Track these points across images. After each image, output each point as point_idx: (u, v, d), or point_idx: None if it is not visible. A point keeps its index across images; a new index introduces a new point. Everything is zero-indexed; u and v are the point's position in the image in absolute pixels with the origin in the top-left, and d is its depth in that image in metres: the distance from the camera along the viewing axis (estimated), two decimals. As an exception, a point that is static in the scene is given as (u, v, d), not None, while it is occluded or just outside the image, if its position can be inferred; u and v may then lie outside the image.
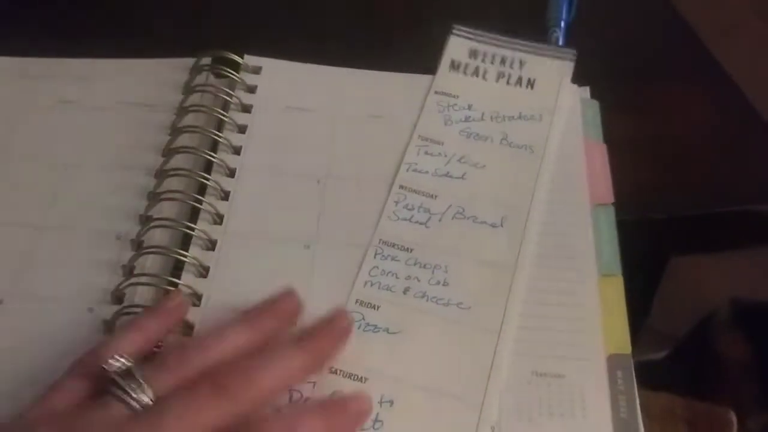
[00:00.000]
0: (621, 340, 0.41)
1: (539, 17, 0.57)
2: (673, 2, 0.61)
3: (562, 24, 0.56)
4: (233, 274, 0.42)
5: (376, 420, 0.37)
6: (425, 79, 0.52)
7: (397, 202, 0.45)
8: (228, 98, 0.49)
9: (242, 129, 0.48)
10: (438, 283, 0.42)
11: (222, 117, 0.48)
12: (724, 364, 0.59)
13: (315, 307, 0.40)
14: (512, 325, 0.41)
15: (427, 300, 0.41)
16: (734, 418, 0.47)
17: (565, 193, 0.46)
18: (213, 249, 0.42)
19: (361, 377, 0.38)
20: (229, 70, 0.50)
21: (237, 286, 0.41)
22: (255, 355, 0.36)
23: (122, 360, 0.34)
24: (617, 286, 0.42)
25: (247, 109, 0.49)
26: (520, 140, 0.48)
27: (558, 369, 0.39)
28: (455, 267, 0.42)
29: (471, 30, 0.55)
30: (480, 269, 0.42)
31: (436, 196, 0.45)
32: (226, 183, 0.45)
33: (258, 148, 0.47)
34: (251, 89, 0.50)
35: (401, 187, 0.46)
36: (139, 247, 0.42)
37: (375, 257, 0.43)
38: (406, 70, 0.53)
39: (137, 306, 0.40)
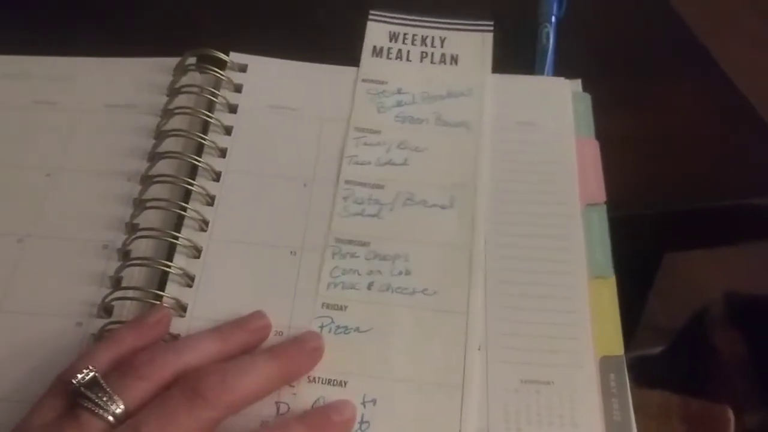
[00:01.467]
0: (613, 342, 0.40)
1: (530, 13, 0.56)
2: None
3: (553, 19, 0.55)
4: (219, 283, 0.41)
5: (362, 421, 0.37)
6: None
7: (345, 198, 0.45)
8: (213, 98, 0.48)
9: (228, 130, 0.47)
10: (400, 273, 0.42)
11: (207, 119, 0.47)
12: (719, 359, 0.58)
13: (301, 314, 0.40)
14: (479, 302, 0.41)
15: (392, 292, 0.41)
16: (731, 416, 0.46)
17: (555, 193, 0.45)
18: (198, 257, 0.42)
19: (341, 381, 0.38)
20: (214, 68, 0.49)
21: (222, 295, 0.41)
22: (228, 362, 0.36)
23: (88, 371, 0.34)
24: (610, 288, 0.42)
25: (233, 109, 0.48)
26: (454, 118, 0.48)
27: (547, 376, 0.39)
28: (414, 254, 0.42)
29: (388, 13, 0.55)
30: (438, 252, 0.42)
31: (383, 186, 0.45)
32: (212, 187, 0.45)
33: (244, 150, 0.47)
34: (237, 88, 0.50)
35: (347, 182, 0.45)
36: (125, 256, 0.42)
37: (333, 257, 0.42)
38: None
39: (125, 321, 0.39)
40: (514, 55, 0.54)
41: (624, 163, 0.48)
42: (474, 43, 0.53)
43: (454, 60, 0.52)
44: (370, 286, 0.41)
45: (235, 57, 0.51)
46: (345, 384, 0.38)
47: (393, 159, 0.47)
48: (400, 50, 0.53)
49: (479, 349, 0.39)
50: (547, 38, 0.54)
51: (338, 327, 0.40)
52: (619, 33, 0.58)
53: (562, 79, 0.51)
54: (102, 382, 0.34)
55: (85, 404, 0.33)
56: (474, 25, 0.54)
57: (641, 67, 0.56)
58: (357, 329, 0.40)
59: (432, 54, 0.52)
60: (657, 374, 0.61)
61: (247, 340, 0.38)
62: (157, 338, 0.38)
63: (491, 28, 0.54)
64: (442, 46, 0.53)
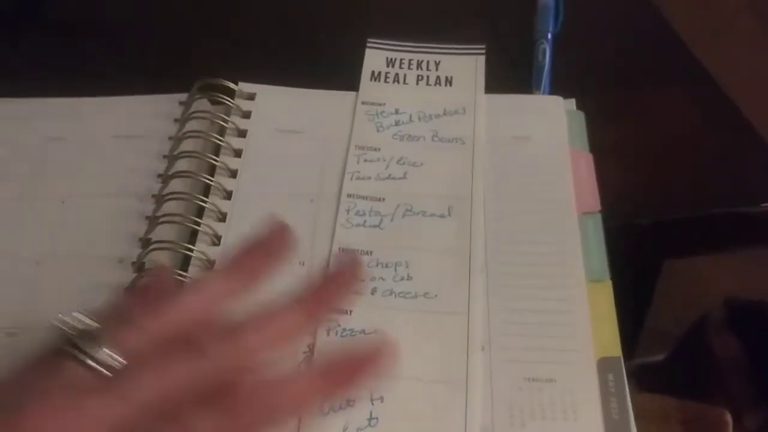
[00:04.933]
0: (611, 343, 0.42)
1: (526, 30, 0.59)
2: (659, 7, 0.62)
3: (549, 36, 0.58)
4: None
5: (371, 417, 0.38)
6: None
7: (348, 210, 0.47)
8: (224, 124, 0.50)
9: (238, 153, 0.50)
10: (402, 278, 0.44)
11: (218, 142, 0.49)
12: (719, 364, 0.59)
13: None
14: (479, 303, 0.42)
15: (395, 297, 0.43)
16: (729, 419, 0.47)
17: (553, 203, 0.47)
18: (211, 269, 0.44)
19: None
20: (224, 96, 0.52)
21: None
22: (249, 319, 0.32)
23: (81, 317, 0.30)
24: (606, 291, 0.43)
25: (242, 133, 0.51)
26: (449, 134, 0.51)
27: (549, 374, 0.40)
28: (415, 261, 0.44)
29: (384, 41, 0.58)
30: (438, 258, 0.44)
31: (383, 199, 0.47)
32: (223, 205, 0.47)
33: (253, 170, 0.49)
34: (246, 114, 0.52)
35: (349, 195, 0.48)
36: (140, 269, 0.43)
37: None
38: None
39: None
40: (512, 72, 0.56)
41: (621, 175, 0.50)
42: (467, 65, 0.55)
43: (449, 81, 0.55)
44: (373, 292, 0.43)
45: (243, 86, 0.53)
46: None
47: (392, 173, 0.49)
48: (397, 74, 0.55)
49: (483, 349, 0.41)
50: (543, 54, 0.56)
51: (344, 330, 0.41)
52: (613, 47, 0.60)
53: (556, 97, 0.53)
54: (97, 331, 0.30)
55: (74, 352, 0.29)
56: (467, 48, 0.57)
57: (635, 80, 0.58)
58: (362, 331, 0.41)
59: (427, 77, 0.55)
60: (659, 381, 0.62)
61: (266, 264, 0.34)
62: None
63: (483, 51, 0.56)
64: (436, 69, 0.55)
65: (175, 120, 0.51)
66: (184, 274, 0.43)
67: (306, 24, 0.63)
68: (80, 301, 0.42)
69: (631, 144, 0.53)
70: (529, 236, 0.46)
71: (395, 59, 0.56)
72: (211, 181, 0.47)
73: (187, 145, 0.49)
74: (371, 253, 0.45)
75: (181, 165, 0.48)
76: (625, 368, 0.41)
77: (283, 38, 0.62)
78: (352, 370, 0.32)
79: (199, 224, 0.45)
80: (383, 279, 0.44)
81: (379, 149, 0.50)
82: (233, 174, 0.48)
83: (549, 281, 0.44)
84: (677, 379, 0.63)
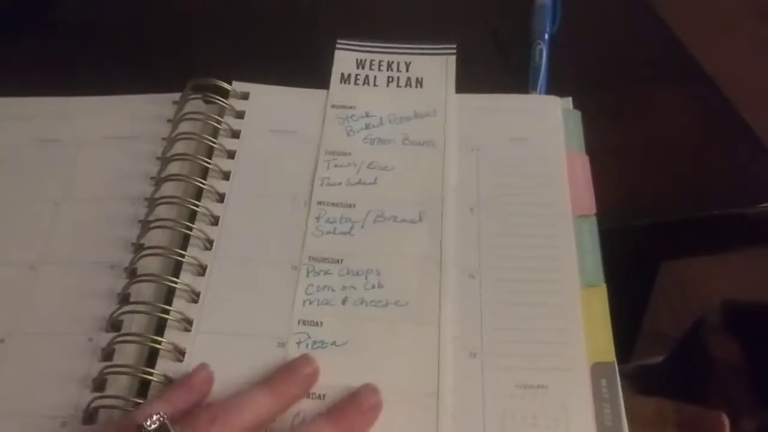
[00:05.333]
0: (605, 348, 0.41)
1: (525, 31, 0.58)
2: (656, 8, 0.62)
3: (546, 36, 0.57)
4: (223, 299, 0.43)
5: None
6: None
7: (318, 218, 0.46)
8: (217, 125, 0.50)
9: (231, 154, 0.49)
10: (373, 286, 0.43)
11: (211, 143, 0.49)
12: (717, 366, 0.59)
13: (284, 329, 0.41)
14: (449, 312, 0.42)
15: (366, 306, 0.42)
16: (726, 421, 0.47)
17: (547, 205, 0.47)
18: (203, 274, 0.44)
19: (320, 394, 0.39)
20: (217, 96, 0.52)
21: (227, 311, 0.42)
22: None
23: (157, 418, 0.35)
24: (600, 296, 0.43)
25: (235, 134, 0.50)
26: (420, 137, 0.50)
27: (541, 380, 0.40)
28: (386, 268, 0.44)
29: (354, 42, 0.57)
30: (409, 265, 0.44)
31: (354, 205, 0.47)
32: (216, 208, 0.46)
33: (246, 172, 0.48)
34: (239, 114, 0.52)
35: (319, 202, 0.47)
36: (132, 275, 0.43)
37: (308, 275, 0.44)
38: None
39: (133, 334, 0.41)
40: (510, 73, 0.56)
41: (620, 176, 0.50)
42: (438, 66, 0.55)
43: (419, 83, 0.54)
44: (344, 302, 0.43)
45: (237, 85, 0.53)
46: (324, 396, 0.39)
47: (363, 179, 0.48)
48: (367, 76, 0.54)
49: (474, 356, 0.41)
50: (540, 55, 0.56)
51: (315, 342, 0.41)
52: (610, 48, 0.60)
53: (553, 96, 0.53)
54: (170, 430, 0.34)
55: None
56: (437, 48, 0.56)
57: (634, 81, 0.57)
58: (333, 343, 0.41)
59: (398, 78, 0.54)
60: (657, 383, 0.62)
61: (297, 392, 0.39)
62: (204, 397, 0.39)
63: (454, 51, 0.55)
64: (407, 71, 0.55)
65: (168, 120, 0.51)
66: (176, 280, 0.42)
67: (304, 22, 0.62)
68: (72, 309, 0.43)
69: (629, 144, 0.53)
70: (523, 240, 0.45)
71: (365, 60, 0.55)
72: (204, 184, 0.47)
73: (179, 148, 0.49)
74: (341, 261, 0.44)
75: (174, 168, 0.48)
76: (624, 370, 0.41)
77: (279, 36, 0.61)
78: (355, 408, 0.38)
79: (191, 228, 0.45)
80: (354, 288, 0.43)
81: (350, 154, 0.50)
82: (226, 176, 0.48)
83: (543, 286, 0.43)
84: (675, 381, 0.63)
